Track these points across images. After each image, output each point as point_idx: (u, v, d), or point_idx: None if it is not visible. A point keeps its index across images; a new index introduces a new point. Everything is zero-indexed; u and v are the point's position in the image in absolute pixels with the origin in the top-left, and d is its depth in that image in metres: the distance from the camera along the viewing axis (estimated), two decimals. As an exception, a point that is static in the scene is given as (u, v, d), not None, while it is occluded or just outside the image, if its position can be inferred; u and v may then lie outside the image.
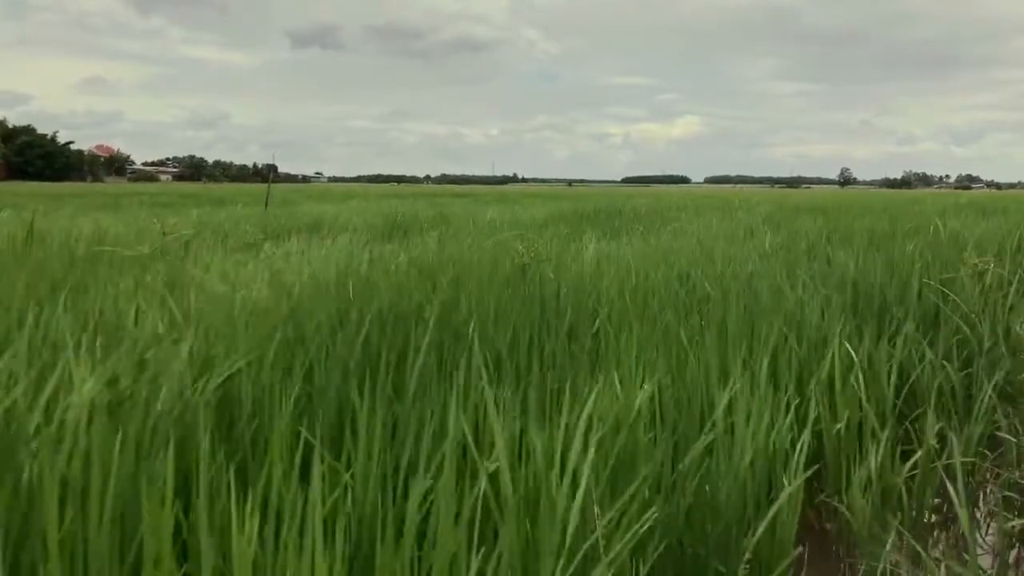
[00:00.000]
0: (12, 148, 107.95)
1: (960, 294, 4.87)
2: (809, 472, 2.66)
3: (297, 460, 1.80)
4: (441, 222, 12.29)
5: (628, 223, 11.99)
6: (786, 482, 2.57)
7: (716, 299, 4.23)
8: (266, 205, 17.42)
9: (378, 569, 1.66)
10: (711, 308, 4.05)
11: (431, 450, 2.05)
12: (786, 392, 3.10)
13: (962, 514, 2.48)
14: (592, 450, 2.04)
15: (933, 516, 3.22)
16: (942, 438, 3.33)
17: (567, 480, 1.95)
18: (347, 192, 38.86)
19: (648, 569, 2.14)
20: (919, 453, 3.14)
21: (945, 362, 3.92)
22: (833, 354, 3.43)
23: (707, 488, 2.41)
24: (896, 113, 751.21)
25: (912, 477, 3.12)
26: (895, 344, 3.94)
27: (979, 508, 3.40)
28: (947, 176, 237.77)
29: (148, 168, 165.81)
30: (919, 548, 2.59)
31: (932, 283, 5.03)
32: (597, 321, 3.79)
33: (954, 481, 3.29)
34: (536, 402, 2.21)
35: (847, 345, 3.57)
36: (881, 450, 3.06)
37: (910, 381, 3.79)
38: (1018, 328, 4.52)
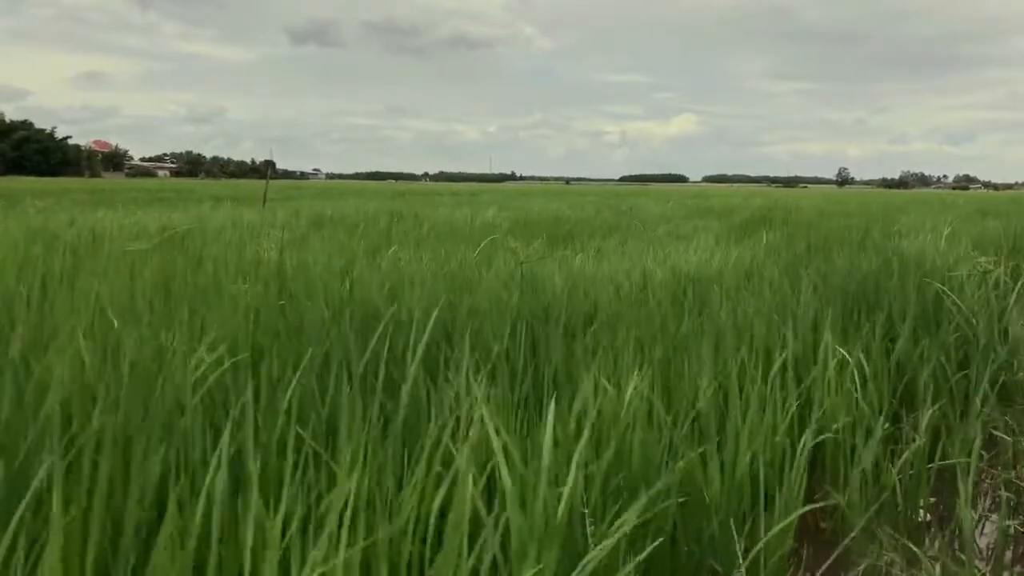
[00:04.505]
0: (9, 143, 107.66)
1: (958, 294, 4.87)
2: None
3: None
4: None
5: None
6: (784, 481, 2.57)
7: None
8: (264, 203, 17.36)
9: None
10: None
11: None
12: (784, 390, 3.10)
13: (963, 513, 2.48)
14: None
15: (928, 515, 3.22)
16: (939, 437, 3.34)
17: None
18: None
19: (644, 568, 2.13)
20: (907, 453, 3.14)
21: (943, 360, 3.93)
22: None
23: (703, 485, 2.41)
24: (891, 112, 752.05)
25: (909, 476, 3.12)
26: (893, 342, 3.95)
27: (974, 508, 3.40)
28: (944, 176, 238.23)
29: (146, 164, 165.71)
30: (914, 547, 2.59)
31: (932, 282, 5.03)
32: None
33: (950, 481, 3.30)
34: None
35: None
36: (877, 449, 3.06)
37: (905, 379, 3.80)
38: (1016, 328, 4.52)
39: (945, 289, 4.91)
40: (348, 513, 1.67)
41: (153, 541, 1.66)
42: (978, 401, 3.51)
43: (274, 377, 2.44)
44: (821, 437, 3.05)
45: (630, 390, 2.50)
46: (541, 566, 1.81)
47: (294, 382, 2.23)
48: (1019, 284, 5.20)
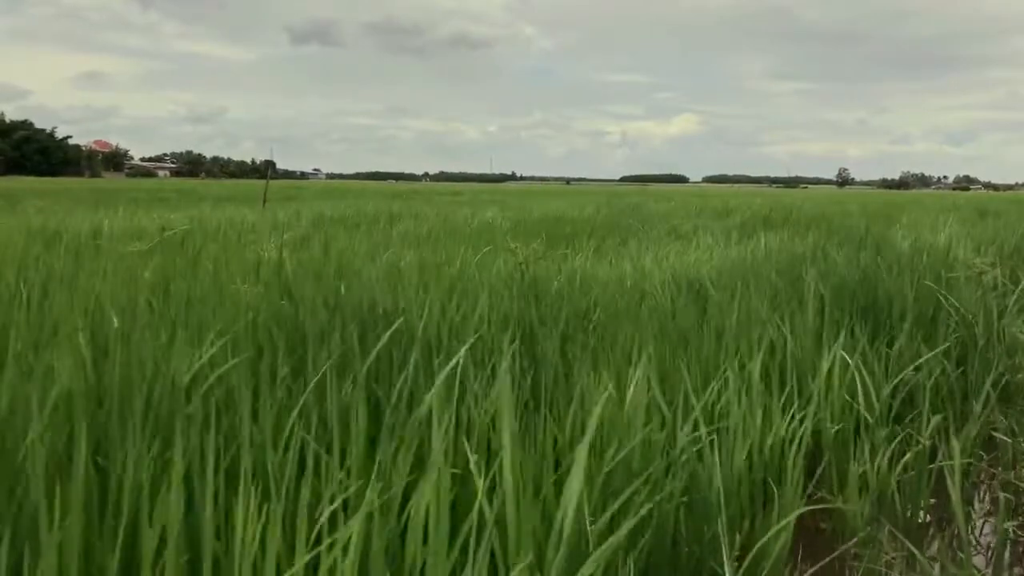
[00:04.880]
0: (10, 143, 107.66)
1: (956, 295, 4.87)
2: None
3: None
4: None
5: None
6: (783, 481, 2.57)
7: None
8: (264, 203, 17.36)
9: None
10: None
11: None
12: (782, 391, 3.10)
13: (959, 514, 2.48)
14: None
15: (928, 516, 3.22)
16: (938, 438, 3.34)
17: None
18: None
19: (644, 567, 2.13)
20: (909, 454, 3.14)
21: (943, 361, 3.93)
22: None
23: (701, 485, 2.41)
24: (892, 112, 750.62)
25: (909, 478, 3.12)
26: (892, 344, 3.95)
27: (974, 509, 3.40)
28: (944, 177, 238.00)
29: (146, 164, 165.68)
30: (913, 549, 2.59)
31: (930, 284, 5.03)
32: None
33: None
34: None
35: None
36: (877, 450, 3.06)
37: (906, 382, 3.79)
38: (1013, 330, 4.52)
39: (943, 292, 4.91)
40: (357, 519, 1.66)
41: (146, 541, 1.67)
42: (977, 403, 3.51)
43: (278, 377, 2.44)
44: (816, 425, 3.05)
45: (630, 392, 2.50)
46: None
47: (310, 387, 2.23)
48: (1019, 286, 5.20)
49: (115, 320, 2.70)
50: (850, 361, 3.46)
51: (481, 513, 1.76)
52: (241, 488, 1.67)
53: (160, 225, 8.75)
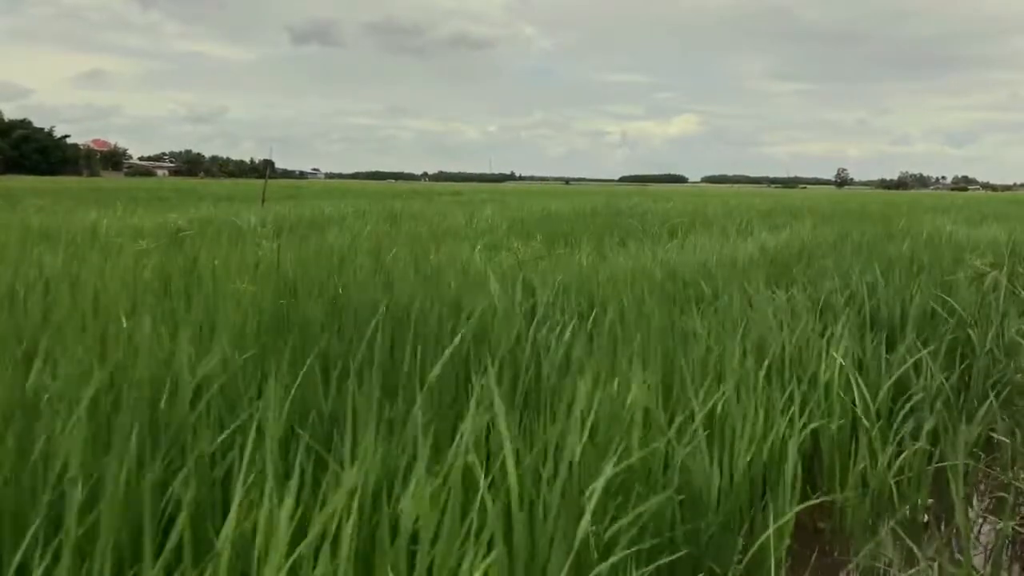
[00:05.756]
0: (8, 142, 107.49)
1: (957, 296, 4.88)
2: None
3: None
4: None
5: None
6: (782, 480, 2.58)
7: None
8: (263, 201, 17.35)
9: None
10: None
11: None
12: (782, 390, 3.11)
13: (960, 514, 2.49)
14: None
15: (926, 516, 3.23)
16: (938, 439, 3.34)
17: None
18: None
19: (642, 567, 2.14)
20: (906, 453, 3.15)
21: (942, 361, 3.93)
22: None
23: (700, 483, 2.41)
24: (893, 113, 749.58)
25: (908, 478, 3.13)
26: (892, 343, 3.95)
27: (972, 508, 3.41)
28: (943, 177, 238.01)
29: (145, 163, 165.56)
30: (913, 548, 2.60)
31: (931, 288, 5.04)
32: None
33: (949, 482, 3.30)
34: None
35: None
36: (876, 450, 3.07)
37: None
38: (1013, 330, 4.53)
39: (943, 295, 4.92)
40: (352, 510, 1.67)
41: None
42: (977, 403, 3.52)
43: (282, 375, 2.45)
44: (814, 425, 3.05)
45: (632, 391, 2.51)
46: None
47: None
48: (1018, 286, 5.21)
49: (123, 320, 2.70)
50: (844, 363, 3.46)
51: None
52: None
53: (159, 224, 8.76)
